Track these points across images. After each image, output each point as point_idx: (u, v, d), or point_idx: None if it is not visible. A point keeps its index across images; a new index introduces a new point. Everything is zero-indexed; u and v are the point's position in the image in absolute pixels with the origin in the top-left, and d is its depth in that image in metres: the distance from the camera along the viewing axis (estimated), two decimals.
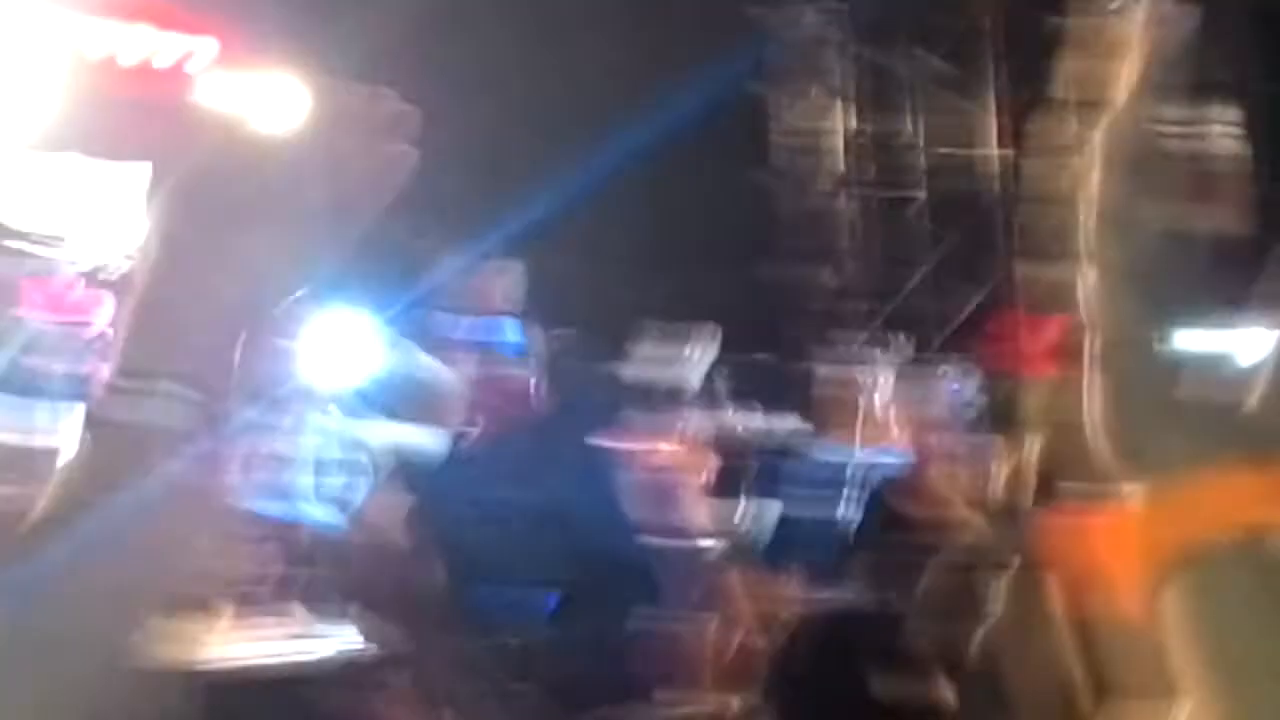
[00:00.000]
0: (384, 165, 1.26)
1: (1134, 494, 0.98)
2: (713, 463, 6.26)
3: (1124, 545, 0.97)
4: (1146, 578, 0.97)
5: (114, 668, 1.20)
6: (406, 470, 6.52)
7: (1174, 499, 0.96)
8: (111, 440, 1.20)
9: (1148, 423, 0.97)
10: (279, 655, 6.90)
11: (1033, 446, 2.48)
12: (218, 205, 1.21)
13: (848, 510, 6.05)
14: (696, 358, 6.99)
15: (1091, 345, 0.99)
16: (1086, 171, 0.97)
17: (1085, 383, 0.99)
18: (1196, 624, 0.94)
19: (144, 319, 1.23)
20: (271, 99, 11.36)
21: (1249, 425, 1.04)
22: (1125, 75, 0.97)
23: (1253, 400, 1.12)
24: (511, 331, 8.62)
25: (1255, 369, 1.14)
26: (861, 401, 6.95)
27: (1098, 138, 0.96)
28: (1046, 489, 2.43)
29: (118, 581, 1.19)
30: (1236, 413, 1.07)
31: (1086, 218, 0.96)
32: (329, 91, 1.25)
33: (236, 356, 1.24)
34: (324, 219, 1.26)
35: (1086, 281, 0.98)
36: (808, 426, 6.72)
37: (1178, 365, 0.97)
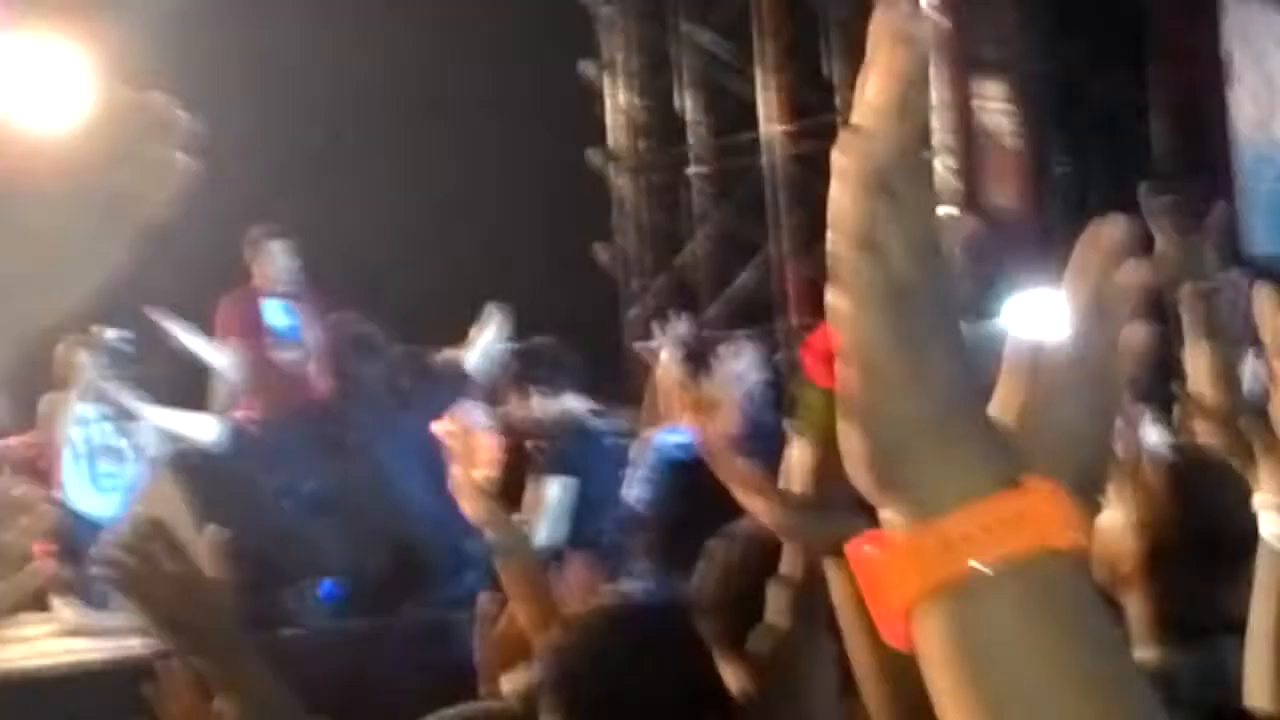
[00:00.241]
0: (158, 170, 1.20)
1: (894, 523, 0.95)
2: (498, 447, 6.20)
3: (881, 577, 0.93)
4: (908, 609, 0.94)
5: None
6: (183, 459, 6.36)
7: (936, 529, 0.92)
8: None
9: (907, 443, 0.93)
10: (49, 656, 6.71)
11: (803, 453, 2.44)
12: None
13: (639, 492, 6.02)
14: (484, 340, 6.91)
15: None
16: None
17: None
18: (966, 656, 0.91)
19: None
20: (49, 85, 10.95)
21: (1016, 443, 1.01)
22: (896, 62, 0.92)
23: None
24: (289, 314, 8.47)
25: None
26: (651, 379, 6.93)
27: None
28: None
29: None
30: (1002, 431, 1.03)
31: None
32: (103, 92, 1.18)
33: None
34: (102, 221, 1.19)
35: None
36: (598, 407, 6.68)
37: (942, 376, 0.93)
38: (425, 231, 11.60)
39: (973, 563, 0.89)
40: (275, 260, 8.42)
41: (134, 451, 8.24)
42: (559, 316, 6.95)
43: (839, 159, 0.94)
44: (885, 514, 0.94)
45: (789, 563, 2.54)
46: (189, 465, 6.01)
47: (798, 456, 2.42)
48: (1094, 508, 1.16)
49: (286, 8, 11.24)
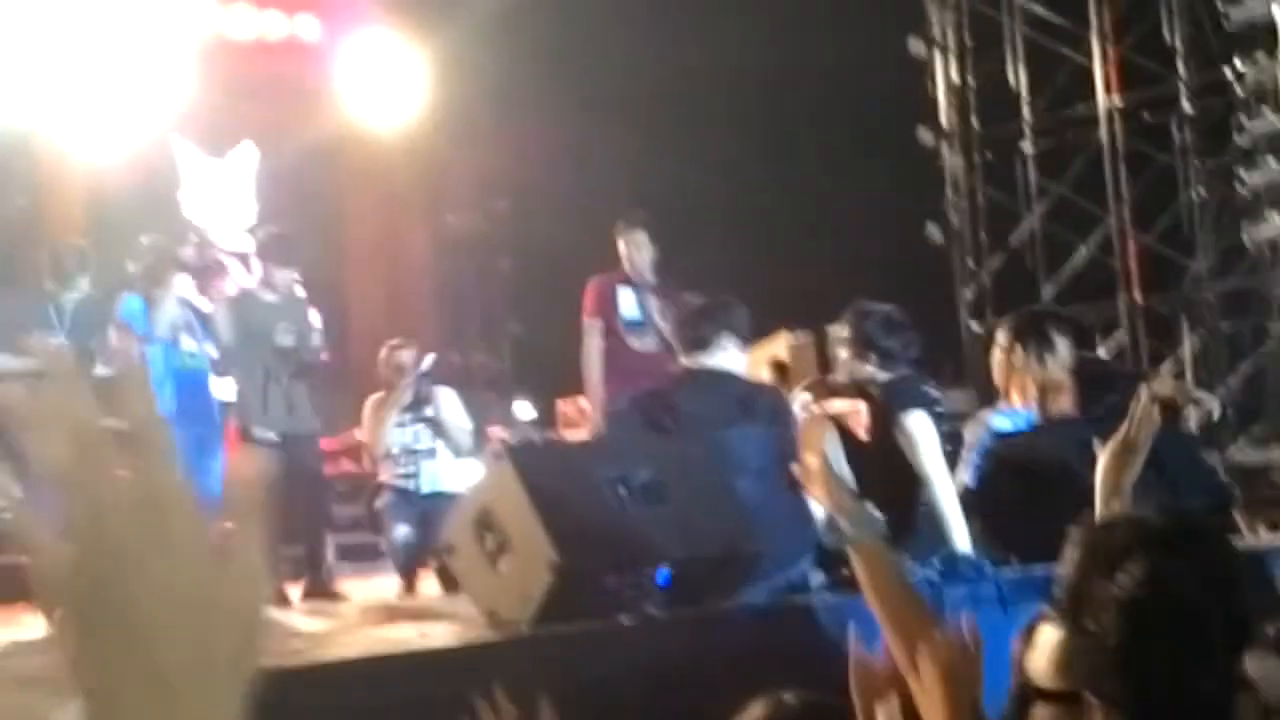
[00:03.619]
0: None
1: None
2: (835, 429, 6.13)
3: None
4: None
5: None
6: (522, 449, 6.45)
7: None
8: None
9: None
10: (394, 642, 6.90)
11: None
12: None
13: (967, 477, 5.90)
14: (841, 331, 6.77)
15: None
16: None
17: None
18: None
19: None
20: (390, 84, 11.29)
21: None
22: None
23: None
24: (639, 303, 8.58)
25: None
26: (987, 359, 6.76)
27: None
28: None
29: None
30: None
31: None
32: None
33: None
34: None
35: None
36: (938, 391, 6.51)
37: None
38: (756, 212, 11.63)
39: None
40: (635, 249, 8.58)
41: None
42: (891, 295, 6.80)
43: None
44: None
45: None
46: (527, 455, 6.09)
47: None
48: None
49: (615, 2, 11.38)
